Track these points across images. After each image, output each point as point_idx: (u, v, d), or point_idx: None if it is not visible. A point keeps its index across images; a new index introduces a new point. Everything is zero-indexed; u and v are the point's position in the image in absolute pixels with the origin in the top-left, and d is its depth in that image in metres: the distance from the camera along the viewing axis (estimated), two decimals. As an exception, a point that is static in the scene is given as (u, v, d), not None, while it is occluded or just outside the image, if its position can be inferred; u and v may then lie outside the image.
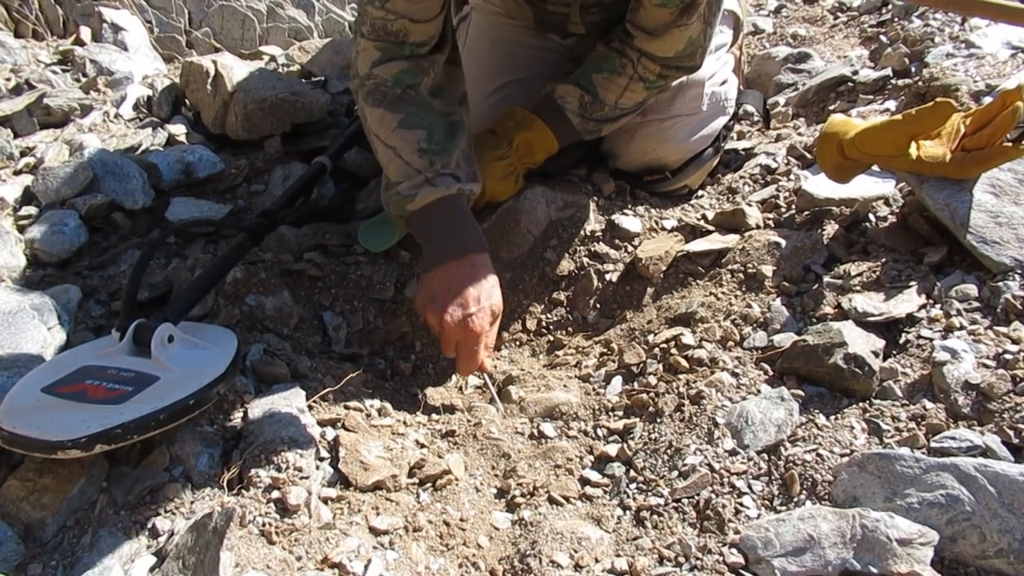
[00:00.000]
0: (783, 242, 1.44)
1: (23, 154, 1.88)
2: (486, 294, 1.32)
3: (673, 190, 1.73)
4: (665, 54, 1.49)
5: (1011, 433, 1.01)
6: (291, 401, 1.22)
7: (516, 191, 1.61)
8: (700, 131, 1.69)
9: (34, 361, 1.25)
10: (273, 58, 2.50)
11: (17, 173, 1.80)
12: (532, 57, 1.74)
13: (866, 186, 1.48)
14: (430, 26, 1.40)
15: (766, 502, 1.05)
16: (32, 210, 1.65)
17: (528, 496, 1.16)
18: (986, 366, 1.10)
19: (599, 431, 1.27)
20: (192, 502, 1.07)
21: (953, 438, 1.02)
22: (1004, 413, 1.04)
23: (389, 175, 1.38)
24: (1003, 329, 1.14)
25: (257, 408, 1.21)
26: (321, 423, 1.22)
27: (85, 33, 2.81)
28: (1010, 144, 1.28)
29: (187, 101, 2.14)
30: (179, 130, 2.01)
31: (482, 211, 1.61)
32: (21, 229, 1.61)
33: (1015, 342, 1.11)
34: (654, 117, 1.67)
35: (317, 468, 1.13)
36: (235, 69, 2.00)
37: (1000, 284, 1.19)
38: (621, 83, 1.53)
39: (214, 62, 2.03)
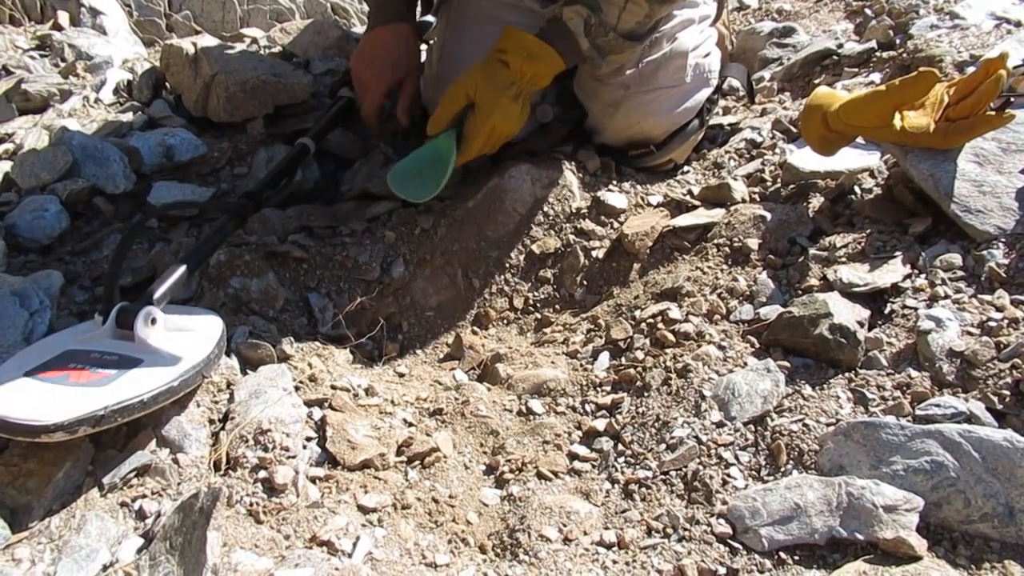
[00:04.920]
0: (768, 216, 1.44)
1: (2, 140, 1.86)
2: (393, 57, 1.65)
3: (659, 164, 1.73)
4: None
5: (995, 399, 1.02)
6: (277, 382, 1.22)
7: (522, 124, 1.56)
8: (684, 103, 1.68)
9: (16, 347, 1.24)
10: (255, 40, 2.47)
11: (-4, 159, 1.78)
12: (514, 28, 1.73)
13: (851, 158, 1.48)
14: None
15: (753, 472, 1.06)
16: (12, 196, 1.64)
17: (517, 472, 1.16)
18: (970, 334, 1.11)
19: (587, 407, 1.27)
20: (179, 483, 1.06)
21: (938, 405, 1.03)
22: (988, 380, 1.04)
23: None
24: (987, 297, 1.14)
25: (243, 389, 1.20)
26: (308, 403, 1.21)
27: (63, 18, 2.77)
28: (993, 113, 1.28)
29: (168, 84, 2.11)
30: (160, 113, 1.99)
31: (468, 189, 1.60)
32: (1, 215, 1.59)
33: (999, 309, 1.12)
34: (637, 90, 1.65)
35: (304, 448, 1.13)
36: (216, 51, 1.98)
37: (984, 253, 1.19)
38: None
39: (194, 44, 2.00)
